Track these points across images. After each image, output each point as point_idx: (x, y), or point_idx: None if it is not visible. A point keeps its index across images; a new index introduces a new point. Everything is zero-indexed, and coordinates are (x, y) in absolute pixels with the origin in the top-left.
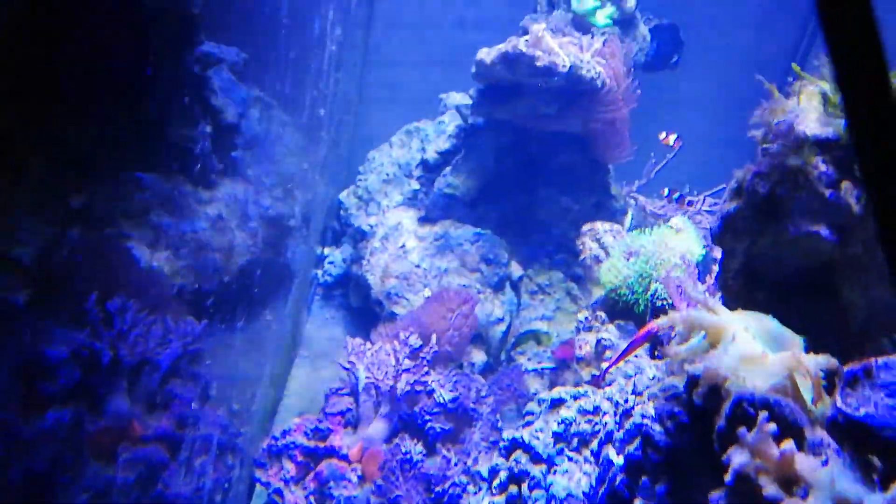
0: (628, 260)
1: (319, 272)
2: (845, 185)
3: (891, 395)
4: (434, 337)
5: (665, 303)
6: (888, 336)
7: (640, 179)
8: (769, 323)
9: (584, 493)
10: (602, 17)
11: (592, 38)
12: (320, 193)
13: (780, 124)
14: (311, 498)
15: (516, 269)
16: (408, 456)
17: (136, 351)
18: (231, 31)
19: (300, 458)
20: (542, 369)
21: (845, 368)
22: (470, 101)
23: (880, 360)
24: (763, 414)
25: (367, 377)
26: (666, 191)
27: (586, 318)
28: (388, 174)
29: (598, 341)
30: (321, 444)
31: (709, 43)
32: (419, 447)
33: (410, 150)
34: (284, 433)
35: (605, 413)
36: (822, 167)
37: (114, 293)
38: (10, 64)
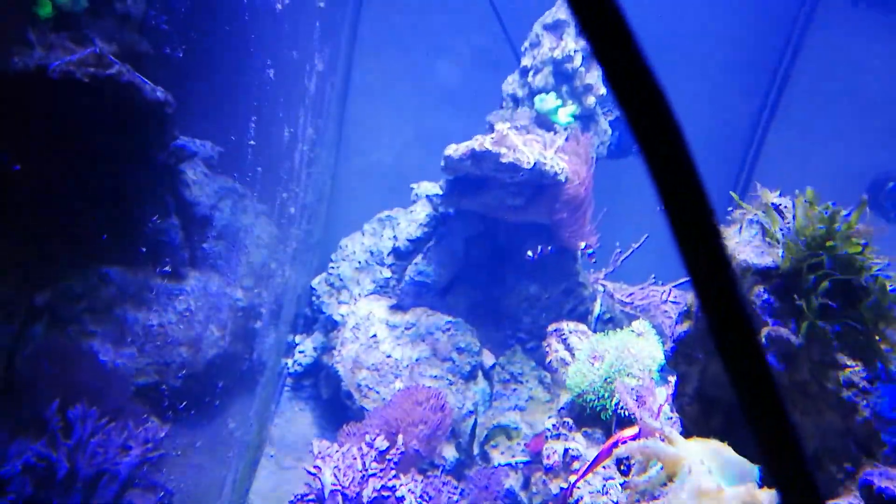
0: (593, 364)
1: (290, 361)
2: (784, 314)
3: None
4: (401, 437)
5: (630, 413)
6: (838, 465)
7: (607, 267)
8: (725, 452)
9: None
10: (564, 116)
11: (555, 135)
12: (291, 282)
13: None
14: None
15: (488, 358)
16: None
17: (94, 462)
18: (209, 120)
19: None
20: (516, 463)
21: None
22: (440, 192)
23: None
24: None
25: (332, 483)
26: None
27: (554, 426)
28: (360, 262)
29: (566, 451)
30: None
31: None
32: None
33: (382, 239)
34: None
35: None
36: (764, 296)
37: (75, 397)
38: None
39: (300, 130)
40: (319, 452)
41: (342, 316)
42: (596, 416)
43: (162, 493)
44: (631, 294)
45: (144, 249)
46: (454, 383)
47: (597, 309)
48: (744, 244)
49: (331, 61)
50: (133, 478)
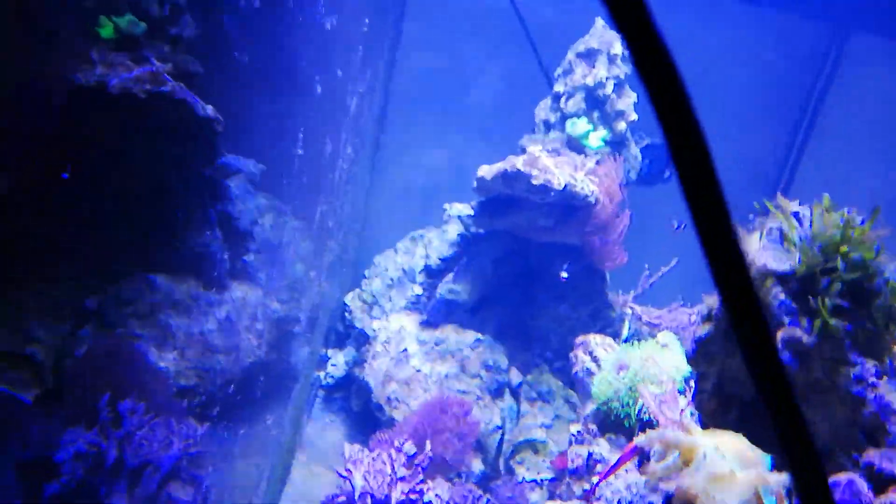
0: (618, 374)
1: (322, 374)
2: (801, 314)
3: None
4: (429, 444)
5: (652, 417)
6: (847, 454)
7: (636, 289)
8: (739, 442)
9: None
10: (595, 140)
11: (586, 157)
12: (326, 297)
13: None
14: None
15: (516, 376)
16: None
17: (140, 453)
18: (254, 136)
19: None
20: (541, 480)
21: None
22: (471, 212)
23: (828, 479)
24: None
25: (362, 486)
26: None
27: (578, 432)
28: (392, 279)
29: (590, 455)
30: None
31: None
32: None
33: (414, 257)
34: None
35: None
36: (781, 297)
37: (123, 392)
38: (34, 174)
39: (341, 148)
40: (350, 457)
41: (374, 330)
42: (620, 423)
43: (200, 487)
44: (658, 316)
45: (188, 260)
46: (482, 398)
47: (625, 331)
48: (764, 250)
49: (371, 84)
50: (175, 471)
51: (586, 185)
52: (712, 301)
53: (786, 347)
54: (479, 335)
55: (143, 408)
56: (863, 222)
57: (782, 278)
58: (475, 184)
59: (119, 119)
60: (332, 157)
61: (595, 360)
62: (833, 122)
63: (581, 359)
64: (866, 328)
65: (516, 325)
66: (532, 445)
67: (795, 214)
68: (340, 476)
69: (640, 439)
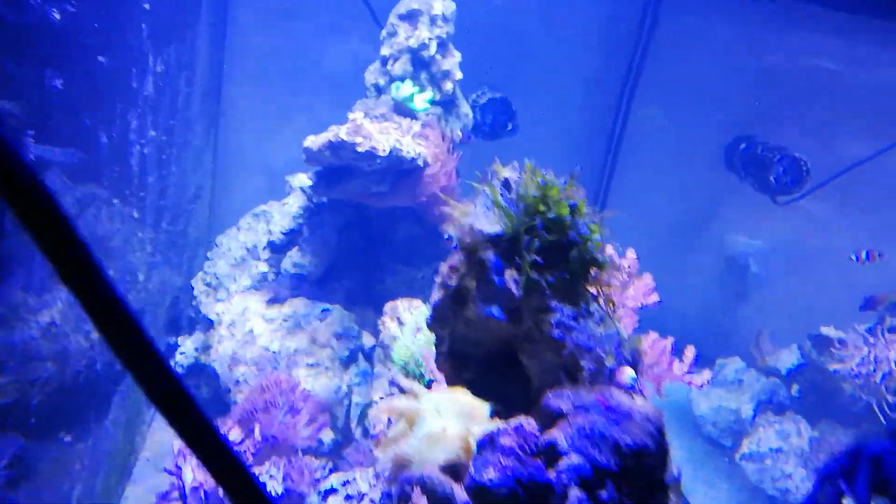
0: (416, 336)
1: (172, 363)
2: (509, 272)
3: (504, 454)
4: (258, 428)
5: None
6: (551, 388)
7: None
8: (462, 397)
9: None
10: (420, 102)
11: (413, 121)
12: (167, 283)
13: (466, 226)
14: None
15: (369, 340)
16: None
17: None
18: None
19: None
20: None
21: (484, 435)
22: (311, 183)
23: (502, 426)
24: (416, 491)
25: (192, 480)
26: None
27: (381, 398)
28: (235, 258)
29: (389, 421)
30: None
31: (543, 104)
32: None
33: (257, 233)
34: None
35: (364, 494)
36: (493, 259)
37: None
38: None
39: (132, 133)
40: (180, 451)
41: (217, 314)
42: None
43: None
44: None
45: (2, 267)
46: (330, 368)
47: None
48: (479, 216)
49: (178, 61)
50: None
51: (413, 149)
52: (443, 268)
53: (498, 303)
54: (328, 305)
55: None
56: (565, 183)
57: (494, 241)
58: (304, 155)
59: None
60: (121, 144)
61: (402, 324)
62: (657, 76)
63: (388, 325)
64: (565, 278)
65: (365, 291)
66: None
67: (506, 180)
68: (170, 473)
69: (371, 411)
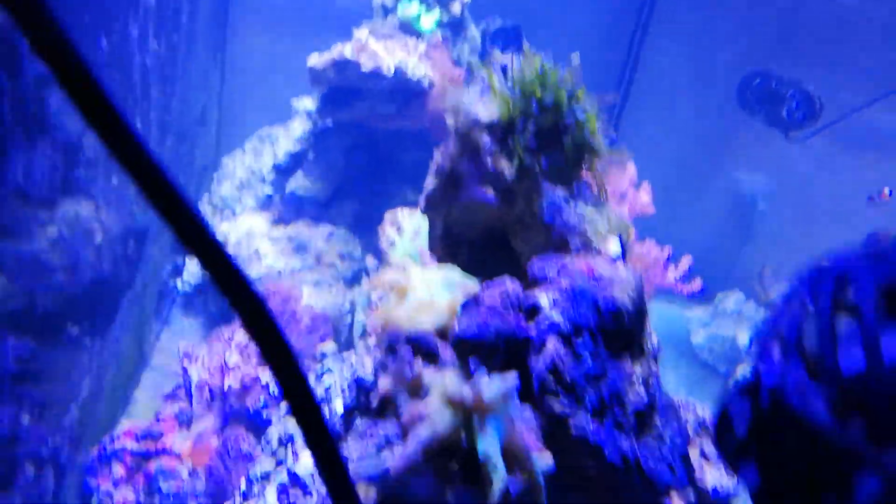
0: (414, 241)
1: (179, 282)
2: (502, 155)
3: (488, 311)
4: None
5: None
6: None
7: None
8: (452, 273)
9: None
10: (427, 23)
11: (419, 40)
12: None
13: (461, 110)
14: (141, 495)
15: (372, 262)
16: (235, 442)
17: None
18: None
19: (130, 461)
20: None
21: (469, 296)
22: (316, 105)
23: (485, 286)
24: (404, 347)
25: (198, 378)
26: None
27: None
28: (241, 180)
29: None
30: (152, 446)
31: (552, 33)
32: (247, 434)
33: (262, 156)
34: (112, 440)
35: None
36: (488, 143)
37: None
38: None
39: (133, 43)
40: (186, 353)
41: (224, 234)
42: None
43: (31, 403)
44: None
45: (11, 178)
46: (334, 286)
47: None
48: (475, 101)
49: None
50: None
51: (419, 69)
52: (437, 155)
53: (491, 186)
54: (333, 228)
55: None
56: (564, 71)
57: (490, 126)
58: (309, 75)
59: None
60: (122, 47)
61: (400, 230)
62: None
63: (387, 231)
64: (558, 163)
65: (370, 214)
66: None
67: (504, 66)
68: (177, 373)
69: (365, 285)
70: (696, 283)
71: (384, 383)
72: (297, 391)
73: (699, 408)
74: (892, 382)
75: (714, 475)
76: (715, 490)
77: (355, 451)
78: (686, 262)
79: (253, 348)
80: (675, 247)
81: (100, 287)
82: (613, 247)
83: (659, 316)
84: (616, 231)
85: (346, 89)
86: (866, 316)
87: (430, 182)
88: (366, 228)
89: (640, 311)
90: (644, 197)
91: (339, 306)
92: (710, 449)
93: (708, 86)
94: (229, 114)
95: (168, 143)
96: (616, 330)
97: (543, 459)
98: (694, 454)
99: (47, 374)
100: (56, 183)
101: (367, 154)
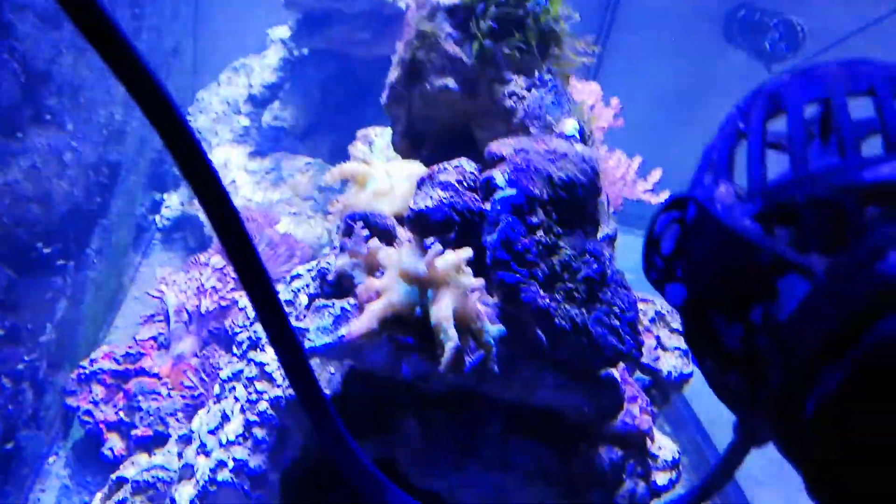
0: (384, 154)
1: (158, 217)
2: (465, 43)
3: (443, 188)
4: None
5: None
6: None
7: None
8: (413, 166)
9: None
10: None
11: None
12: (147, 138)
13: None
14: (121, 413)
15: None
16: (214, 361)
17: None
18: None
19: (109, 381)
20: None
21: (424, 174)
22: (291, 33)
23: (441, 165)
24: (359, 225)
25: (176, 302)
26: None
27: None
28: (216, 113)
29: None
30: (132, 367)
31: None
32: (227, 354)
33: (238, 87)
34: (92, 361)
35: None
36: (449, 29)
37: None
38: None
39: None
40: (163, 278)
41: None
42: None
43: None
44: None
45: None
46: (313, 218)
47: None
48: None
49: None
50: None
51: None
52: (400, 44)
53: (453, 75)
54: (311, 159)
55: None
56: None
57: (449, 9)
58: None
59: None
60: None
61: (371, 145)
62: None
63: (359, 148)
64: (521, 50)
65: (348, 145)
66: None
67: None
68: (153, 297)
69: (326, 177)
70: (657, 174)
71: (341, 262)
72: (252, 278)
73: (659, 304)
74: (816, 188)
75: (669, 361)
76: (669, 374)
77: (313, 325)
78: (657, 174)
79: (230, 271)
80: (662, 182)
81: (73, 213)
82: (570, 126)
83: (628, 247)
84: (576, 116)
85: (321, 13)
86: (794, 129)
87: (391, 74)
88: (344, 159)
89: (593, 186)
90: (611, 111)
91: (317, 237)
92: (666, 337)
93: (695, 17)
94: (206, 46)
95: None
96: (569, 204)
97: (495, 326)
98: (650, 342)
99: (24, 300)
100: (27, 113)
101: (345, 84)
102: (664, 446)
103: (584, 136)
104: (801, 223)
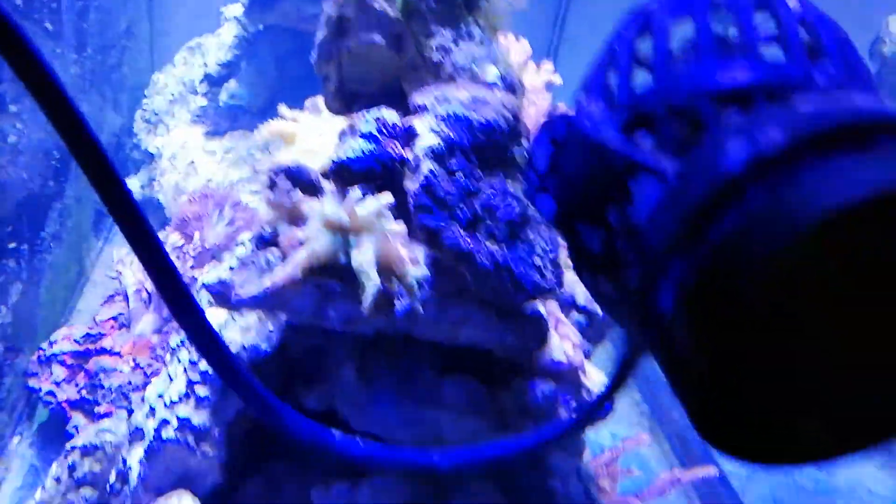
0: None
1: None
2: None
3: (364, 139)
4: (197, 234)
5: None
6: None
7: None
8: (343, 123)
9: None
10: None
11: None
12: (104, 119)
13: None
14: (83, 392)
15: None
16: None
17: None
18: None
19: (70, 362)
20: None
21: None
22: (243, 10)
23: (362, 115)
24: (283, 179)
25: (134, 282)
26: None
27: None
28: (173, 94)
29: None
30: (92, 347)
31: None
32: None
33: (193, 67)
34: (51, 343)
35: None
36: None
37: None
38: None
39: None
40: (121, 259)
41: (158, 148)
42: None
43: None
44: None
45: None
46: None
47: None
48: None
49: None
50: None
51: None
52: (326, 7)
53: (380, 31)
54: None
55: None
56: None
57: None
58: None
59: None
60: None
61: (320, 113)
62: None
63: (286, 110)
64: (447, 3)
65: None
66: None
67: None
68: (112, 278)
69: (256, 134)
70: None
71: (264, 214)
72: (138, 238)
73: None
74: (673, 96)
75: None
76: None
77: (238, 280)
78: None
79: (189, 249)
80: None
81: (27, 197)
82: (492, 74)
83: None
84: (504, 67)
85: None
86: (658, 40)
87: (319, 34)
88: None
89: (514, 131)
90: (544, 71)
91: None
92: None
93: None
94: (162, 27)
95: (89, 50)
96: (489, 147)
97: (418, 268)
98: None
99: None
100: None
101: (301, 61)
102: (595, 380)
103: (511, 86)
104: (660, 130)
